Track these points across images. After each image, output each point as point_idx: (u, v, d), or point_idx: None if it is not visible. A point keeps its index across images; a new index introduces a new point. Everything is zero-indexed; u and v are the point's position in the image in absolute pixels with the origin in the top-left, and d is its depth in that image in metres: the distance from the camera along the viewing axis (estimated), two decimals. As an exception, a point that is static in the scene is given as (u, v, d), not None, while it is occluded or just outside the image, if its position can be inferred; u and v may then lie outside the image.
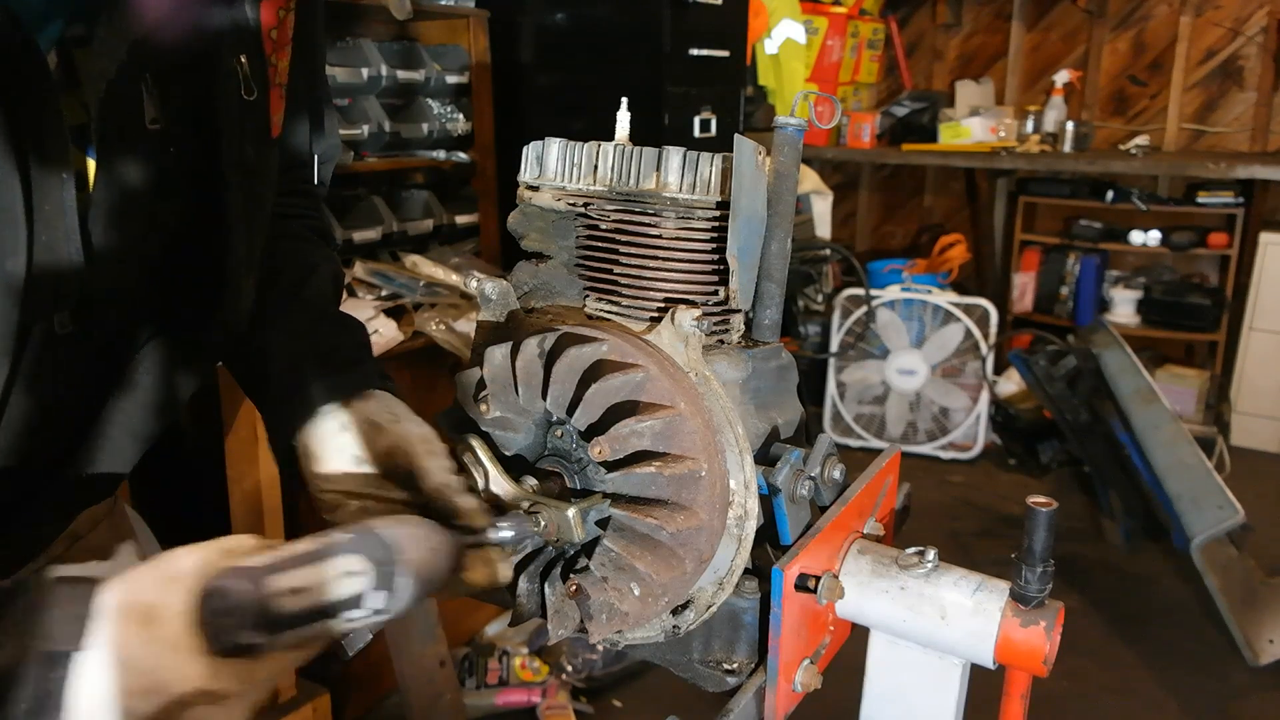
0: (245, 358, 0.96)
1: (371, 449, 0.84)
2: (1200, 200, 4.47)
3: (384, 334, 2.36)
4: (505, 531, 0.68)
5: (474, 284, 0.82)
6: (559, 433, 0.73)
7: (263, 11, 0.86)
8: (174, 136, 0.80)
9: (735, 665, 0.78)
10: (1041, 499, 0.70)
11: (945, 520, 3.74)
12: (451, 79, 2.91)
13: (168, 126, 0.80)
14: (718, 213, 0.75)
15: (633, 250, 0.76)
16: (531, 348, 0.70)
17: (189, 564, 0.58)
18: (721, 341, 0.80)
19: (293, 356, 0.91)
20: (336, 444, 0.85)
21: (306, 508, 2.16)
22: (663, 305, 0.76)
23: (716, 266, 0.77)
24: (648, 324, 0.76)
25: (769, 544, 0.78)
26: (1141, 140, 4.75)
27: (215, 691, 0.57)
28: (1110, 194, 4.64)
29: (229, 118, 0.84)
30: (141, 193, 0.79)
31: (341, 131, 2.51)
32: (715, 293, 0.77)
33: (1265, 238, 4.26)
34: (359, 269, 2.56)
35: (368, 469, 0.83)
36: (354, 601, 0.56)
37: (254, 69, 0.86)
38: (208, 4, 0.81)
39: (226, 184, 0.84)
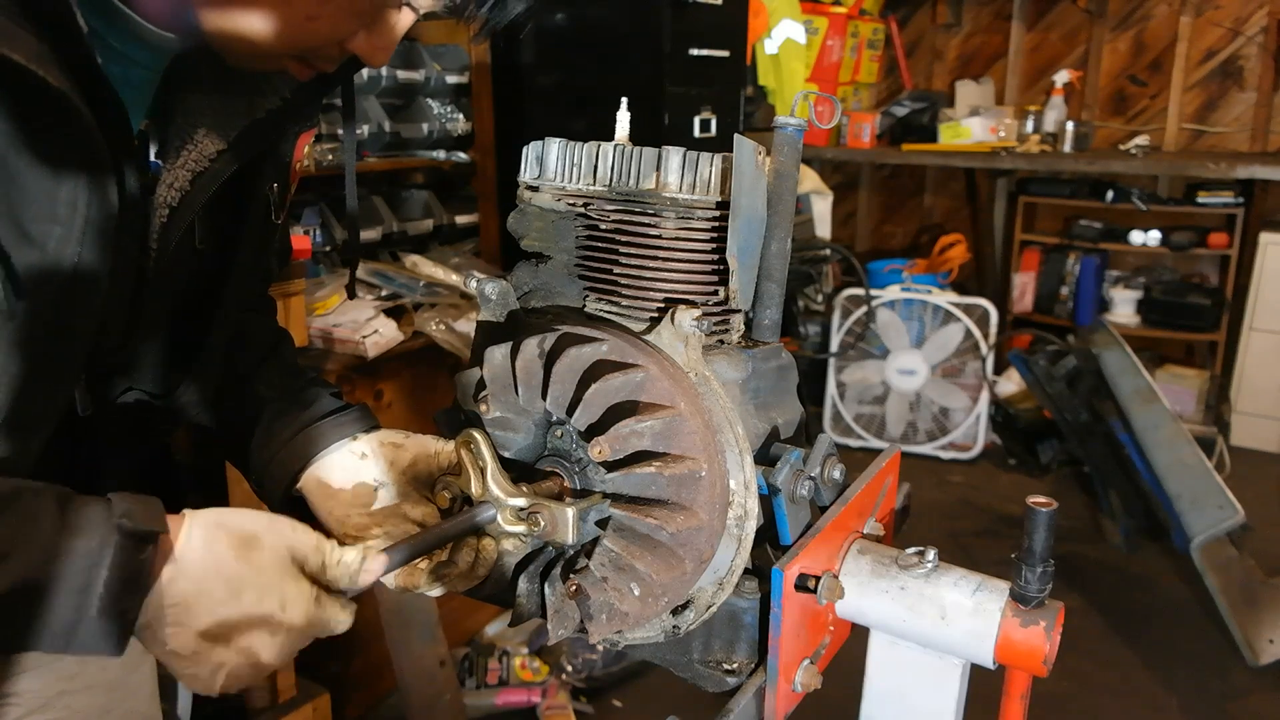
0: (225, 411, 1.04)
1: (397, 466, 0.92)
2: (1200, 200, 4.46)
3: (384, 334, 2.35)
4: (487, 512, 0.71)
5: (474, 284, 0.82)
6: (559, 433, 0.73)
7: (296, 145, 0.98)
8: (211, 251, 0.93)
9: (735, 665, 0.78)
10: (1041, 499, 0.70)
11: (945, 520, 3.74)
12: (451, 79, 2.91)
13: (209, 245, 0.92)
14: (718, 213, 0.75)
15: (633, 250, 0.76)
16: (531, 348, 0.70)
17: (283, 520, 0.69)
18: (721, 341, 0.80)
19: (280, 409, 0.99)
20: (357, 470, 0.92)
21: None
22: (663, 305, 0.76)
23: (716, 266, 0.77)
24: (648, 324, 0.76)
25: (769, 544, 0.78)
26: (1141, 140, 4.75)
27: (277, 621, 0.64)
28: (1110, 194, 4.64)
29: (252, 237, 0.96)
30: (175, 289, 0.92)
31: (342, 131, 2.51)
32: (715, 293, 0.77)
33: (1265, 238, 4.26)
34: (359, 269, 2.56)
35: (385, 494, 0.91)
36: None
37: (280, 195, 0.97)
38: (263, 140, 0.90)
39: (228, 279, 0.97)
